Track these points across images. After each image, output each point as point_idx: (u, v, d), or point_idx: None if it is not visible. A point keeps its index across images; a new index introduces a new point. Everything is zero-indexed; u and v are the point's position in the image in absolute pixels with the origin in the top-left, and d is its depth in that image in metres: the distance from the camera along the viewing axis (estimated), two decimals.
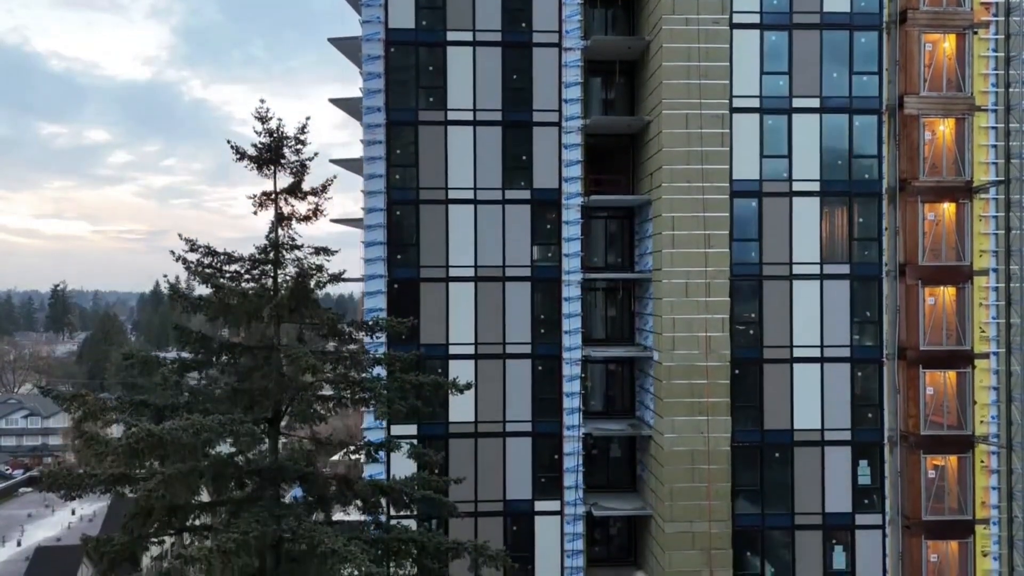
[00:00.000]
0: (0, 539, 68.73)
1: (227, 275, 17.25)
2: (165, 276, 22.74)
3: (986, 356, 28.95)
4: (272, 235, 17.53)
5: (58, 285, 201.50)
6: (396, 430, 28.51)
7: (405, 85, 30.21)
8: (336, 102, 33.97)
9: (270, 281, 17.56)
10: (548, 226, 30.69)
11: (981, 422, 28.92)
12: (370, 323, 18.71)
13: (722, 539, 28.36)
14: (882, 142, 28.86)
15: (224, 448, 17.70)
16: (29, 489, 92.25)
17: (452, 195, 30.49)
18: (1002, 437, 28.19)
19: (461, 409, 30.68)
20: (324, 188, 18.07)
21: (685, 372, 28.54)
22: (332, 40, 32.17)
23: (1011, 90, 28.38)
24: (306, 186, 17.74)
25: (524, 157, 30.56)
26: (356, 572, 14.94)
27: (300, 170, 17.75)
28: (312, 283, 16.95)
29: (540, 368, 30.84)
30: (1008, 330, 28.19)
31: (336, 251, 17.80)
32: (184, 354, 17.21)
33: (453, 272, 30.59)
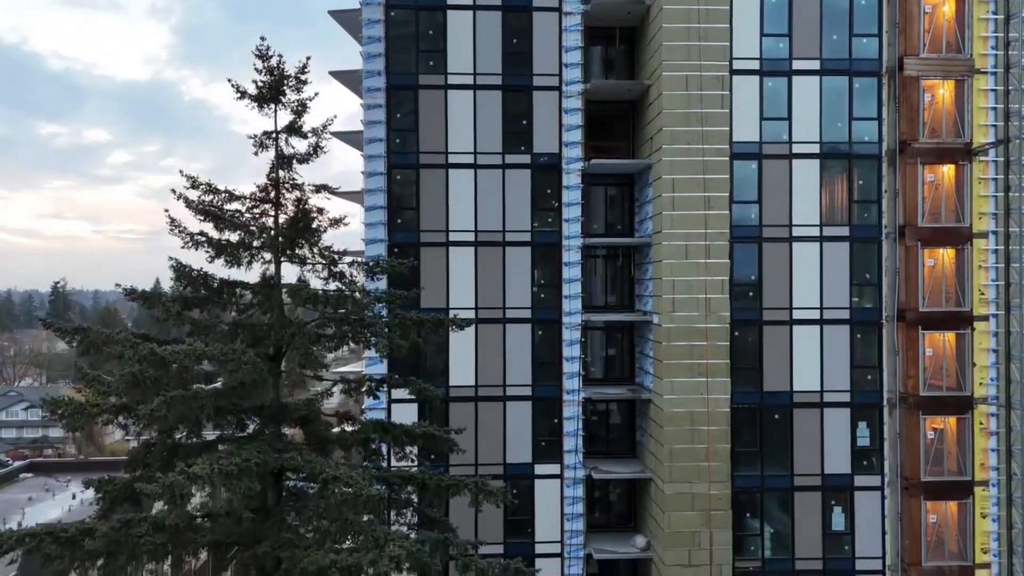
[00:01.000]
0: (1, 521, 68.96)
1: (228, 214, 17.31)
2: (166, 210, 22.35)
3: (985, 319, 29.00)
4: (273, 175, 17.59)
5: (58, 283, 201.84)
6: (396, 394, 28.58)
7: (405, 49, 30.25)
8: (336, 75, 33.97)
9: (270, 220, 17.63)
10: (548, 191, 30.73)
11: (980, 384, 28.98)
12: (370, 264, 18.77)
13: (721, 500, 28.41)
14: (882, 104, 28.88)
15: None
16: (30, 475, 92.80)
17: (452, 159, 30.54)
18: (1001, 397, 28.23)
19: (461, 373, 30.80)
20: (324, 127, 18.14)
21: (685, 334, 28.59)
22: (332, 12, 32.17)
23: (1011, 52, 28.36)
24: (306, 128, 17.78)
25: (524, 121, 30.61)
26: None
27: (300, 109, 17.80)
28: (313, 213, 16.98)
29: (540, 333, 30.92)
30: (1007, 290, 28.21)
31: (337, 187, 17.87)
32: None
33: (453, 237, 30.65)
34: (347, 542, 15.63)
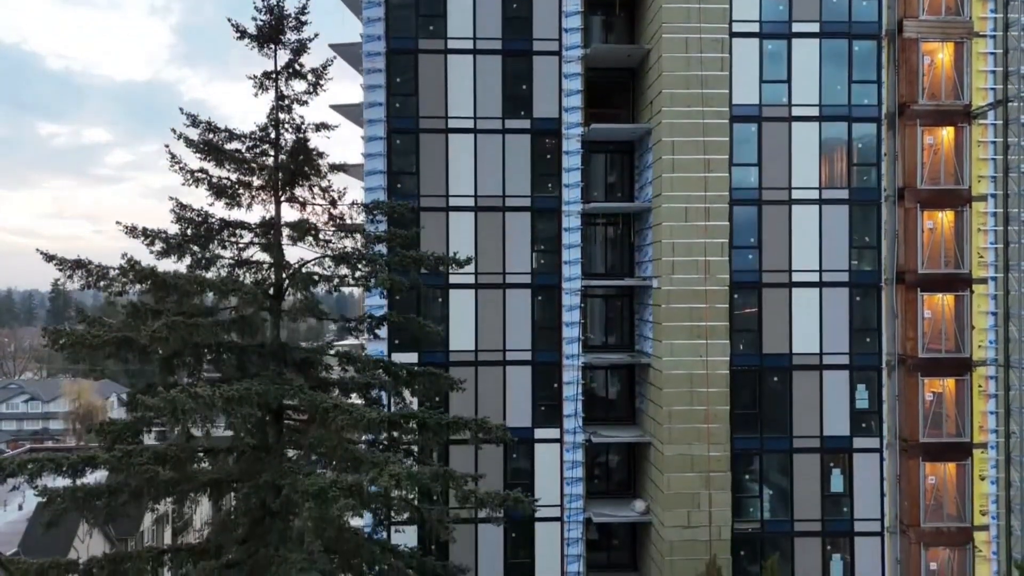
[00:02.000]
0: (2, 504, 69.09)
1: (228, 154, 17.32)
2: (166, 146, 22.23)
3: (984, 281, 29.03)
4: (273, 115, 17.62)
5: (58, 280, 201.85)
6: (397, 358, 28.62)
7: (405, 14, 30.27)
8: (336, 47, 33.90)
9: (271, 160, 17.66)
10: (548, 156, 30.77)
11: (979, 347, 29.02)
12: (370, 205, 18.82)
13: (721, 462, 28.48)
14: (881, 67, 28.92)
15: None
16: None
17: (452, 124, 30.58)
18: (1000, 358, 28.27)
19: (461, 338, 30.85)
20: (324, 68, 18.17)
21: (684, 296, 28.64)
22: None
23: (1010, 14, 28.37)
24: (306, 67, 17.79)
25: (524, 86, 30.64)
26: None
27: (300, 48, 17.82)
28: (312, 143, 17.02)
29: (540, 298, 30.98)
30: (1006, 250, 28.25)
31: (336, 126, 17.91)
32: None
33: (453, 202, 30.69)
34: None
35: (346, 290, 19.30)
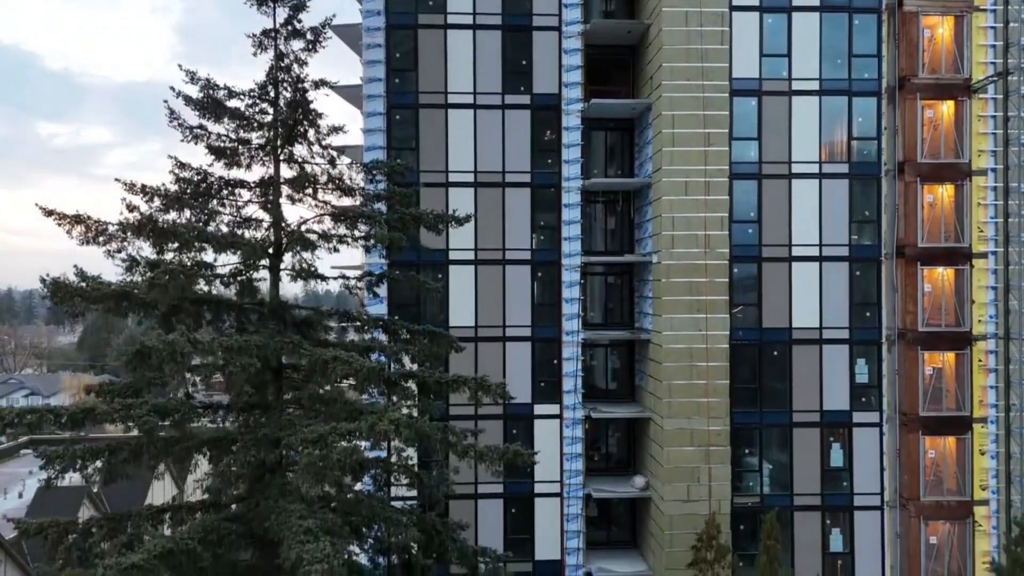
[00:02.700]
0: (2, 492, 69.10)
1: (228, 109, 17.28)
2: (165, 102, 22.22)
3: (984, 256, 29.00)
4: (272, 74, 17.58)
5: (58, 278, 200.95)
6: None
7: None
8: (335, 29, 33.72)
9: (270, 117, 17.62)
10: (548, 132, 30.75)
11: (979, 321, 29.00)
12: (369, 165, 18.79)
13: (720, 436, 28.46)
14: (881, 41, 28.88)
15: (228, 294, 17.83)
16: (29, 451, 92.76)
17: (452, 100, 30.54)
18: (1000, 331, 28.26)
19: (461, 314, 30.82)
20: (323, 26, 18.13)
21: (684, 271, 28.61)
22: None
23: None
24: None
25: (524, 62, 30.61)
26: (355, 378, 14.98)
27: (299, 6, 17.76)
28: (312, 98, 16.97)
29: (539, 274, 30.96)
30: (1006, 224, 28.23)
31: (336, 82, 17.87)
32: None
33: (452, 178, 30.65)
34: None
35: (347, 292, 19.10)
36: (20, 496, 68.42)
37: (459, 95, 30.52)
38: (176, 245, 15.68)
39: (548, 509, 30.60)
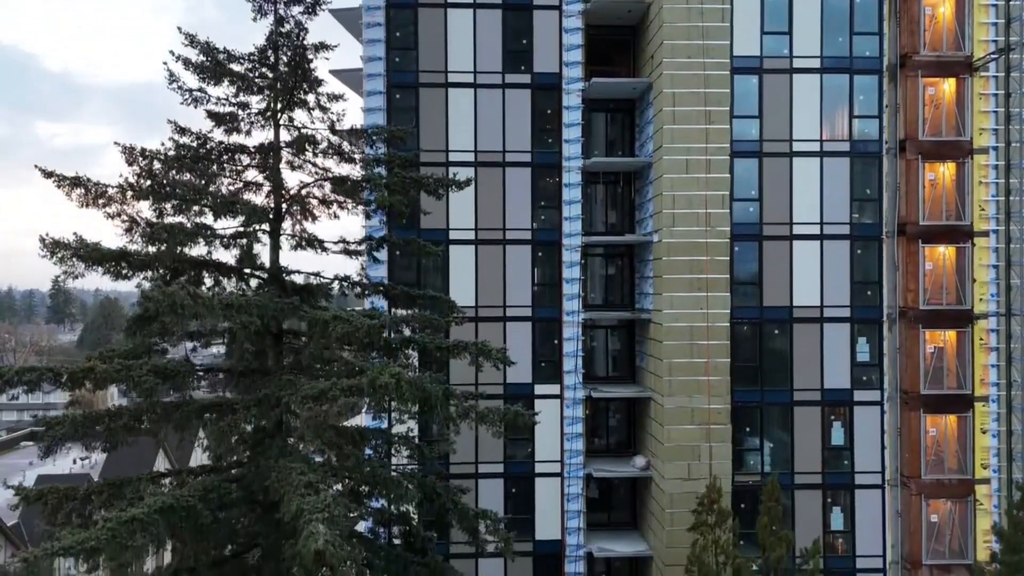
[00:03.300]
0: (2, 482, 69.14)
1: (228, 70, 17.19)
2: (164, 63, 22.13)
3: (985, 234, 28.96)
4: (272, 38, 17.50)
5: (58, 276, 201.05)
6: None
7: None
8: (334, 12, 33.76)
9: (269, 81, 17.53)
10: (548, 112, 30.68)
11: (980, 300, 28.96)
12: (370, 131, 18.73)
13: (721, 414, 28.41)
14: (882, 18, 28.81)
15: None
16: (30, 443, 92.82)
17: (452, 79, 30.46)
18: (1001, 307, 28.21)
19: (462, 293, 30.59)
20: None
21: (685, 249, 28.55)
22: None
23: None
24: None
25: (524, 41, 30.52)
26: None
27: None
28: (313, 59, 16.89)
29: (540, 254, 30.91)
30: (1007, 200, 28.18)
31: (336, 45, 17.80)
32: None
33: (453, 157, 30.56)
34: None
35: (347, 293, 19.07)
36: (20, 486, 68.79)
37: (459, 74, 30.45)
38: (176, 202, 15.60)
39: (549, 489, 30.54)
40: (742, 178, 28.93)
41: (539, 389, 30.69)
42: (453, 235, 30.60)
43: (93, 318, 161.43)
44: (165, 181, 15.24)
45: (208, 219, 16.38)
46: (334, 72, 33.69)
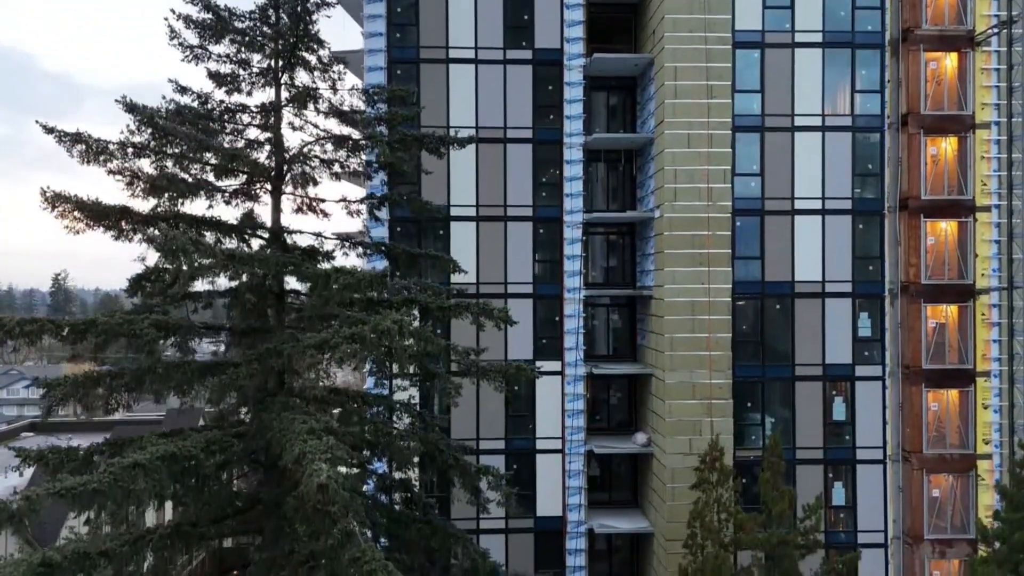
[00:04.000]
0: (3, 472, 69.16)
1: (230, 25, 17.10)
2: (165, 19, 21.98)
3: (987, 209, 28.93)
4: None
5: (59, 275, 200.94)
6: None
7: None
8: None
9: (271, 41, 17.48)
10: (550, 88, 30.62)
11: (982, 275, 28.93)
12: (371, 90, 18.67)
13: (722, 389, 28.37)
14: None
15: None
16: (31, 433, 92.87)
17: (453, 55, 30.39)
18: (1003, 280, 28.17)
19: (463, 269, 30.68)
20: None
21: (686, 224, 28.49)
22: None
23: None
24: None
25: (525, 16, 30.45)
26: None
27: None
28: (314, 12, 16.82)
29: (541, 231, 30.85)
30: (1010, 172, 28.13)
31: (335, 2, 17.71)
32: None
33: (454, 133, 30.30)
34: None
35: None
36: (20, 475, 68.72)
37: (460, 50, 30.38)
38: (177, 153, 15.54)
39: (550, 466, 30.50)
40: (744, 153, 28.89)
41: (540, 366, 30.59)
42: (454, 211, 30.53)
43: (94, 316, 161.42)
44: (165, 126, 15.10)
45: (210, 177, 16.32)
46: (333, 53, 33.58)
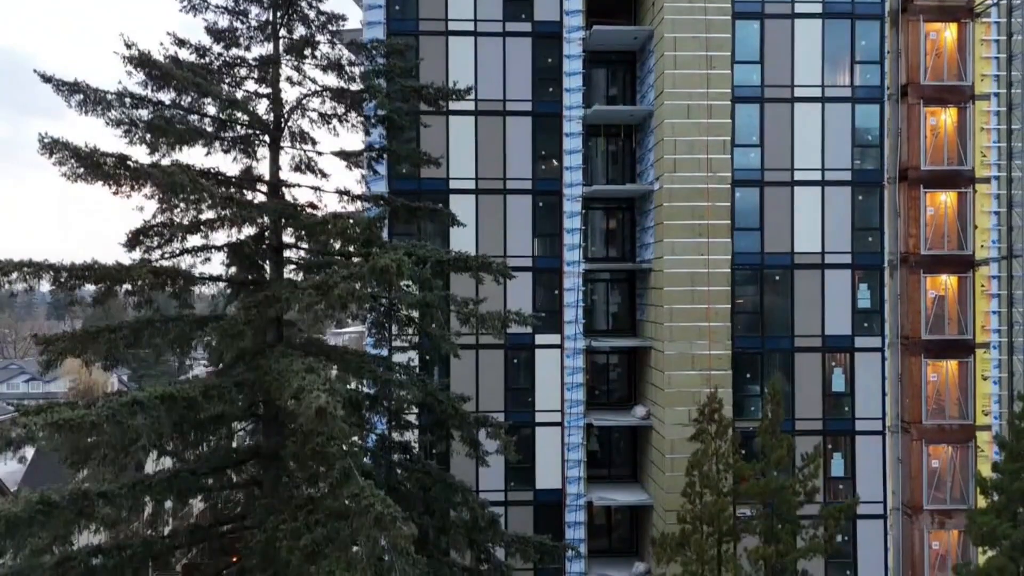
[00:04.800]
0: (3, 458, 69.17)
1: None
2: None
3: (987, 180, 28.89)
4: None
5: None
6: None
7: None
8: None
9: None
10: (549, 60, 30.58)
11: (982, 247, 28.91)
12: (370, 45, 18.62)
13: (722, 360, 28.36)
14: None
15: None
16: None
17: (452, 27, 30.35)
18: (1003, 251, 28.16)
19: (462, 243, 30.57)
20: None
21: (686, 195, 28.48)
22: None
23: None
24: None
25: None
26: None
27: None
28: None
29: (540, 204, 30.84)
30: (1009, 140, 28.09)
31: None
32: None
33: (453, 105, 30.24)
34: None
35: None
36: (21, 461, 68.70)
37: (459, 22, 30.33)
38: (175, 99, 15.50)
39: (549, 439, 30.50)
40: (743, 124, 28.85)
41: (540, 339, 30.61)
42: (453, 184, 30.50)
43: (94, 312, 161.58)
44: (163, 71, 15.04)
45: (208, 128, 16.27)
46: (334, 33, 33.54)
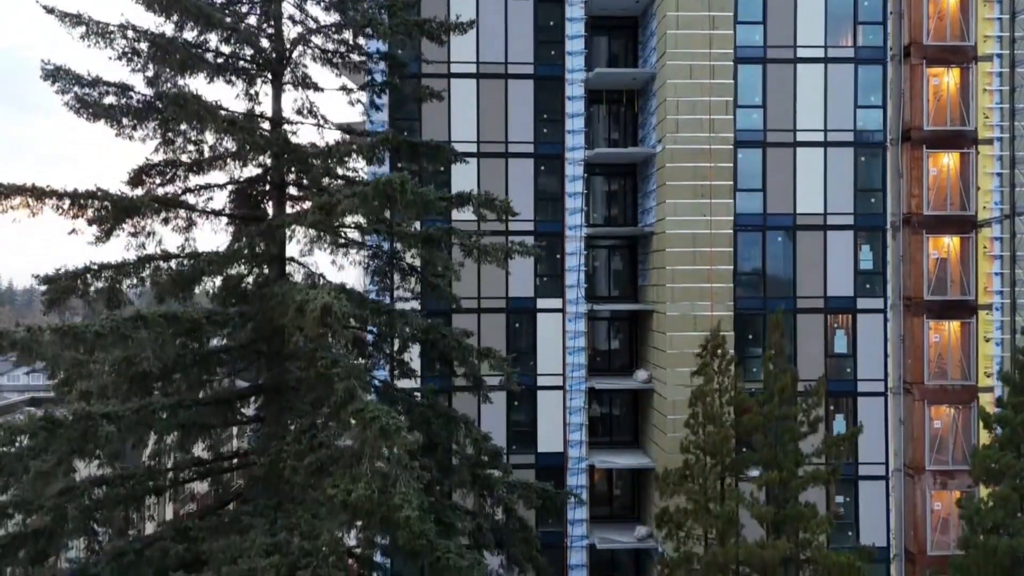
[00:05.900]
0: None
1: None
2: None
3: (989, 142, 28.84)
4: None
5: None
6: None
7: None
8: None
9: None
10: (551, 23, 30.53)
11: (984, 208, 28.87)
12: None
13: (724, 322, 28.29)
14: None
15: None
16: (32, 409, 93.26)
17: None
18: (1005, 211, 28.13)
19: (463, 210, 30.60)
20: None
21: (688, 156, 28.42)
22: None
23: None
24: None
25: None
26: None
27: None
28: None
29: (542, 168, 30.81)
30: (1012, 98, 28.03)
31: None
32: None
33: (454, 68, 30.41)
34: None
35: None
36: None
37: None
38: (176, 22, 15.45)
39: (551, 402, 30.52)
40: (746, 84, 28.80)
41: (541, 303, 30.65)
42: (456, 148, 30.36)
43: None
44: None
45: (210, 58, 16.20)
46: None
